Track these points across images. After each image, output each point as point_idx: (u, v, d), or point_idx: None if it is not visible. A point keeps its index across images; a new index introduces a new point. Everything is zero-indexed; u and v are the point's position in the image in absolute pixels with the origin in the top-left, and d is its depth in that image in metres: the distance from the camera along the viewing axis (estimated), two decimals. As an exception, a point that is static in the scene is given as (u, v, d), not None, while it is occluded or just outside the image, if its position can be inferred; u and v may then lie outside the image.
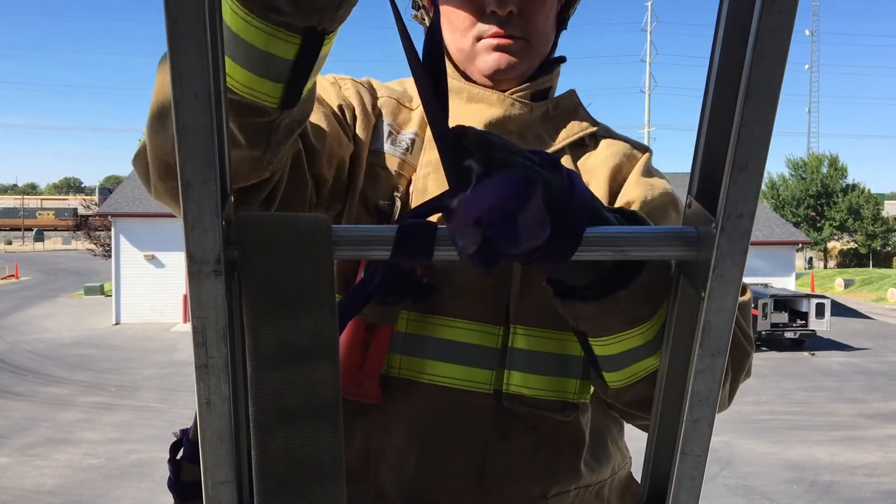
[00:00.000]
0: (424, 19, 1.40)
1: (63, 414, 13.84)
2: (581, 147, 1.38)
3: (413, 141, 1.35)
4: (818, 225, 55.35)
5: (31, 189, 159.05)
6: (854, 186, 57.41)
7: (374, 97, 1.38)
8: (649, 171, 1.38)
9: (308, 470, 0.85)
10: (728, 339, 0.83)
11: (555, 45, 1.39)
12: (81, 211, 56.94)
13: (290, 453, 0.85)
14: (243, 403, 0.87)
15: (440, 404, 1.25)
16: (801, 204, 55.28)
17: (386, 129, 1.36)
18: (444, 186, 0.90)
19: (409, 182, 1.31)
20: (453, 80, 1.34)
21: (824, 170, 56.59)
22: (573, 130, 1.37)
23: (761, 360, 20.45)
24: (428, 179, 1.29)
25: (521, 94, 1.33)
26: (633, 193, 1.32)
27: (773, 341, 22.30)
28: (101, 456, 11.39)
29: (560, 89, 1.44)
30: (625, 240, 0.86)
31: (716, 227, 0.80)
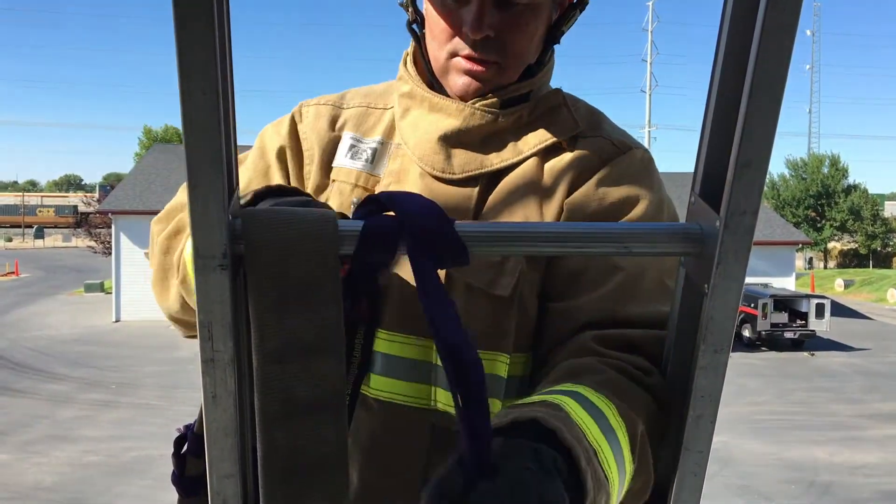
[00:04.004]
0: (409, 8, 1.36)
1: (63, 411, 13.85)
2: (556, 151, 1.31)
3: (375, 150, 1.35)
4: (818, 225, 55.34)
5: (32, 186, 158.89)
6: (855, 187, 57.41)
7: (332, 117, 1.41)
8: (618, 177, 1.29)
9: (312, 463, 0.85)
10: (731, 334, 0.83)
11: (542, 58, 1.33)
12: (82, 208, 56.93)
13: (294, 446, 0.85)
14: (248, 398, 0.88)
15: (382, 419, 1.25)
16: (801, 204, 55.27)
17: (348, 142, 1.37)
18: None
19: (364, 191, 1.32)
20: (418, 87, 1.34)
21: (825, 170, 56.58)
22: (544, 137, 1.31)
23: (761, 361, 20.47)
24: (390, 189, 1.27)
25: (486, 103, 1.28)
26: (577, 203, 1.27)
27: (773, 341, 22.32)
28: (101, 453, 11.41)
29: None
30: (628, 236, 0.87)
31: (720, 223, 0.80)
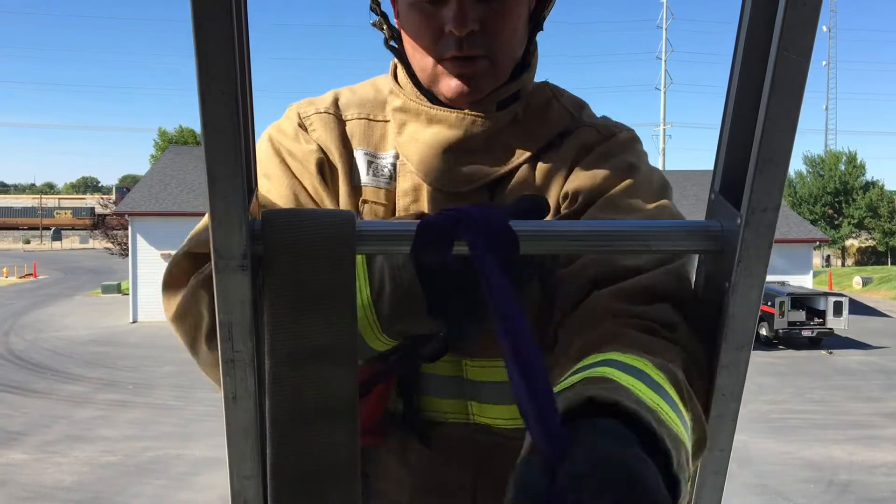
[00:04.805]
0: (384, 27, 1.32)
1: (81, 411, 13.95)
2: (552, 147, 1.30)
3: (394, 166, 1.30)
4: (836, 222, 54.91)
5: (49, 188, 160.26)
6: (873, 184, 56.92)
7: (340, 130, 1.33)
8: (604, 157, 1.27)
9: (323, 469, 0.85)
10: (753, 332, 0.83)
11: (528, 48, 1.31)
12: (99, 210, 57.26)
13: (305, 451, 0.85)
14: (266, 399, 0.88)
15: (432, 438, 1.28)
16: (818, 201, 54.86)
17: (363, 158, 1.31)
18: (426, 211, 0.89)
19: (394, 212, 1.29)
20: (412, 101, 1.29)
21: (842, 167, 56.14)
22: (541, 134, 1.29)
23: (778, 359, 20.33)
24: (409, 210, 1.27)
25: (482, 108, 1.26)
26: (574, 185, 1.25)
27: (791, 339, 22.15)
28: (118, 453, 11.48)
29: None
30: (649, 234, 0.87)
31: (740, 221, 0.80)
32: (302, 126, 1.33)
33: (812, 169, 57.36)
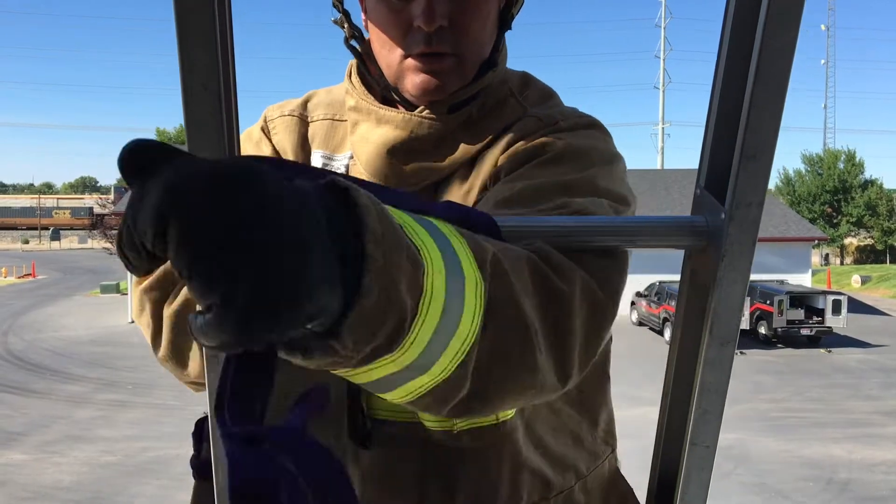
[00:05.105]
0: (345, 25, 1.30)
1: (80, 411, 13.96)
2: (493, 142, 1.26)
3: (347, 167, 1.30)
4: (834, 221, 54.95)
5: (48, 188, 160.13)
6: (872, 182, 56.97)
7: (302, 132, 1.33)
8: (535, 139, 1.20)
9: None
10: (738, 328, 0.83)
11: (496, 46, 1.28)
12: (97, 210, 57.37)
13: None
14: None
15: (379, 437, 1.21)
16: (817, 200, 54.90)
17: (319, 161, 1.32)
18: None
19: None
20: (363, 100, 1.28)
21: (841, 165, 56.18)
22: (491, 130, 1.26)
23: (777, 357, 20.35)
24: None
25: (433, 109, 1.24)
26: (499, 165, 1.20)
27: (789, 338, 22.17)
28: (117, 453, 11.48)
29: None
30: (634, 230, 0.87)
31: (725, 216, 0.80)
32: (265, 130, 1.35)
33: (811, 167, 57.40)
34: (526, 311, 0.80)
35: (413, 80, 1.21)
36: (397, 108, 1.27)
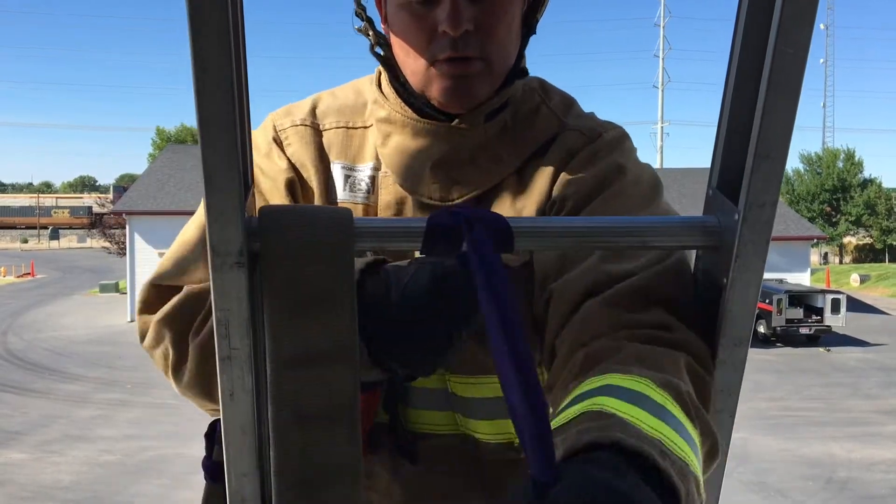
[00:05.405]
0: (370, 33, 1.27)
1: (80, 411, 13.95)
2: (538, 155, 1.27)
3: (372, 179, 1.28)
4: (833, 220, 54.97)
5: (47, 188, 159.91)
6: (871, 181, 56.99)
7: (317, 142, 1.30)
8: (590, 161, 1.24)
9: (324, 471, 0.85)
10: (751, 328, 0.82)
11: (521, 52, 1.27)
12: (96, 209, 57.26)
13: (306, 454, 0.85)
14: (265, 397, 0.88)
15: (419, 450, 1.27)
16: (816, 199, 54.91)
17: (340, 172, 1.29)
18: None
19: None
20: (397, 112, 1.25)
21: (840, 164, 56.19)
22: (529, 141, 1.27)
23: (776, 356, 20.35)
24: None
25: (470, 119, 1.23)
26: (560, 192, 1.22)
27: (788, 337, 22.19)
28: (117, 452, 11.47)
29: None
30: (646, 230, 0.86)
31: (738, 216, 0.79)
32: (277, 140, 1.30)
33: (810, 167, 57.41)
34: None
35: (441, 86, 1.18)
36: (432, 118, 1.24)
